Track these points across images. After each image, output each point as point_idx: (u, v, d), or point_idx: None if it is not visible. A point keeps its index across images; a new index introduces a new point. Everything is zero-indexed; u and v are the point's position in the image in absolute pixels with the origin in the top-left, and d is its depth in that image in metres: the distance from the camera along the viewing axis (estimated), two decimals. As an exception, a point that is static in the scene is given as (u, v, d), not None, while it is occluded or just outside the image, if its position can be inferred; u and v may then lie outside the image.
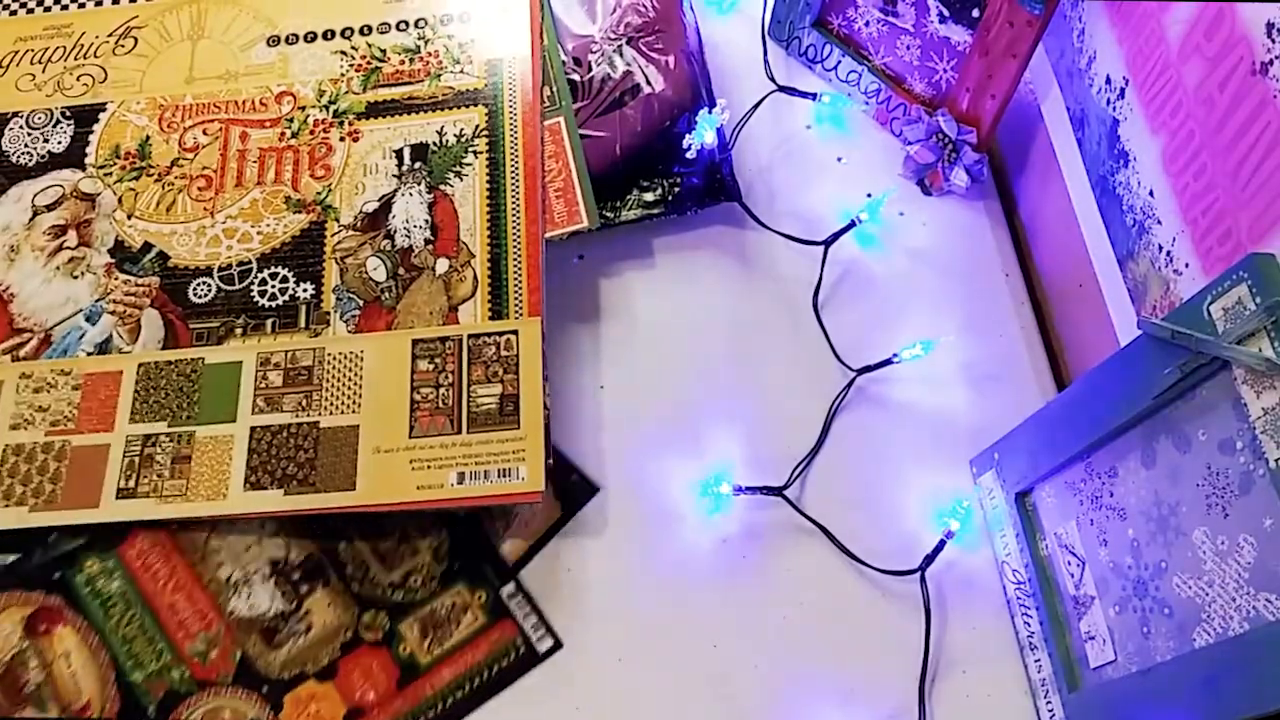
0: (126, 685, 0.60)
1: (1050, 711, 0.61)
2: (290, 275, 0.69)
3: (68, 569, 0.62)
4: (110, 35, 0.78)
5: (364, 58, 0.76)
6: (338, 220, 0.70)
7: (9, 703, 0.58)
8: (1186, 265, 0.57)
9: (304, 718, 0.59)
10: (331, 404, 0.65)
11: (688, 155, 0.72)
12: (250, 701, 0.59)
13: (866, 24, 0.78)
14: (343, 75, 0.75)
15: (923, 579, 0.64)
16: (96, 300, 0.69)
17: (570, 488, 0.67)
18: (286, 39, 0.77)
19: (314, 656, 0.61)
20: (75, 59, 0.78)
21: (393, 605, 0.62)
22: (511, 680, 0.62)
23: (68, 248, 0.71)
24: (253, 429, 0.64)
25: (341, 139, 0.73)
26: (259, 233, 0.71)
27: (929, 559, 0.65)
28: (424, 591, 0.63)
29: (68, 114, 0.76)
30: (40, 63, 0.78)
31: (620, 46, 0.75)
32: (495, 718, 0.62)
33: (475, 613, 0.63)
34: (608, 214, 0.72)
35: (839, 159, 0.79)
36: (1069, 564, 0.60)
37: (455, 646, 0.62)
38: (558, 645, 0.63)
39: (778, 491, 0.67)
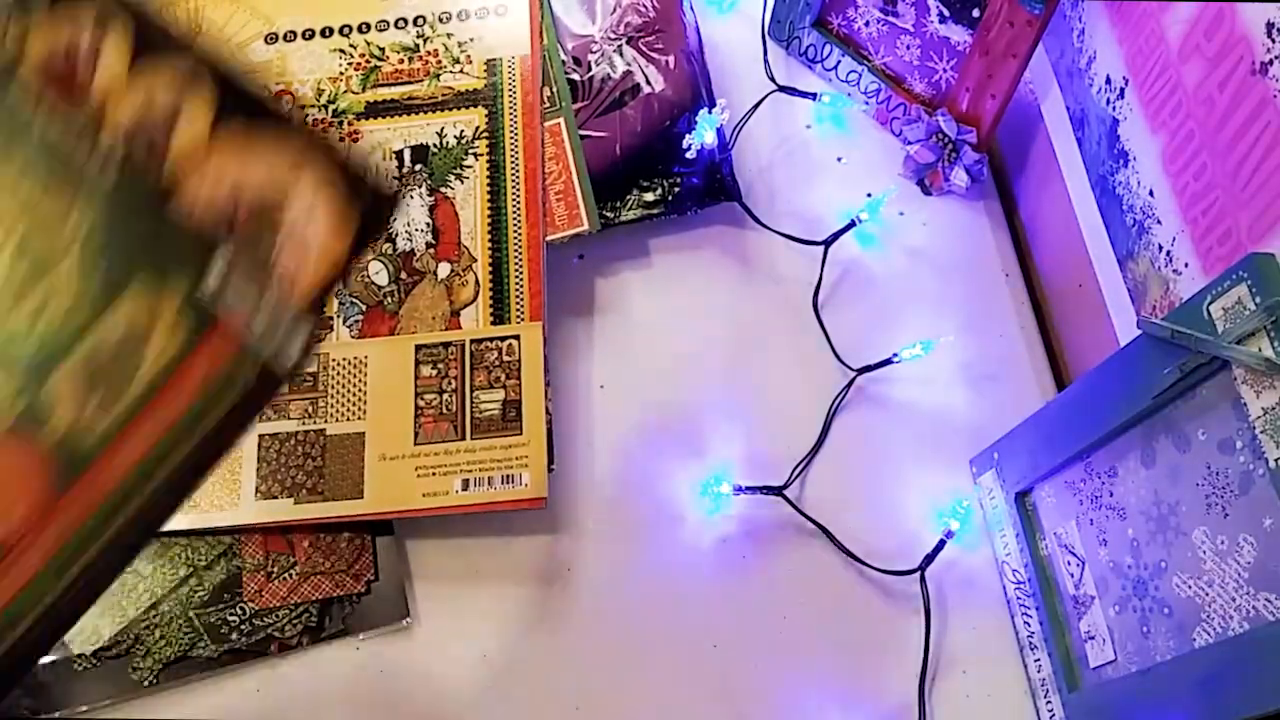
0: None
1: (1050, 711, 0.61)
2: None
3: None
4: (109, 35, 0.78)
5: (362, 56, 0.76)
6: (338, 221, 0.70)
7: None
8: (1186, 265, 0.57)
9: None
10: (337, 411, 0.65)
11: (688, 155, 0.72)
12: None
13: (866, 24, 0.78)
14: (341, 74, 0.75)
15: (923, 579, 0.64)
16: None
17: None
18: (284, 36, 0.77)
19: None
20: (74, 59, 0.78)
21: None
22: (248, 421, 0.38)
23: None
24: (261, 436, 0.64)
25: (341, 139, 0.73)
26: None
27: (929, 559, 0.65)
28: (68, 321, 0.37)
29: (67, 114, 0.75)
30: (39, 63, 0.78)
31: (620, 46, 0.75)
32: (494, 716, 0.62)
33: (165, 334, 0.37)
34: (608, 214, 0.72)
35: (839, 159, 0.79)
36: (1069, 564, 0.61)
37: (140, 400, 0.37)
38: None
39: (778, 491, 0.67)
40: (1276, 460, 0.45)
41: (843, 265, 0.75)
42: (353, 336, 0.67)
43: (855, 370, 0.71)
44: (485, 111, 0.73)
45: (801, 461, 0.69)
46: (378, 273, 0.69)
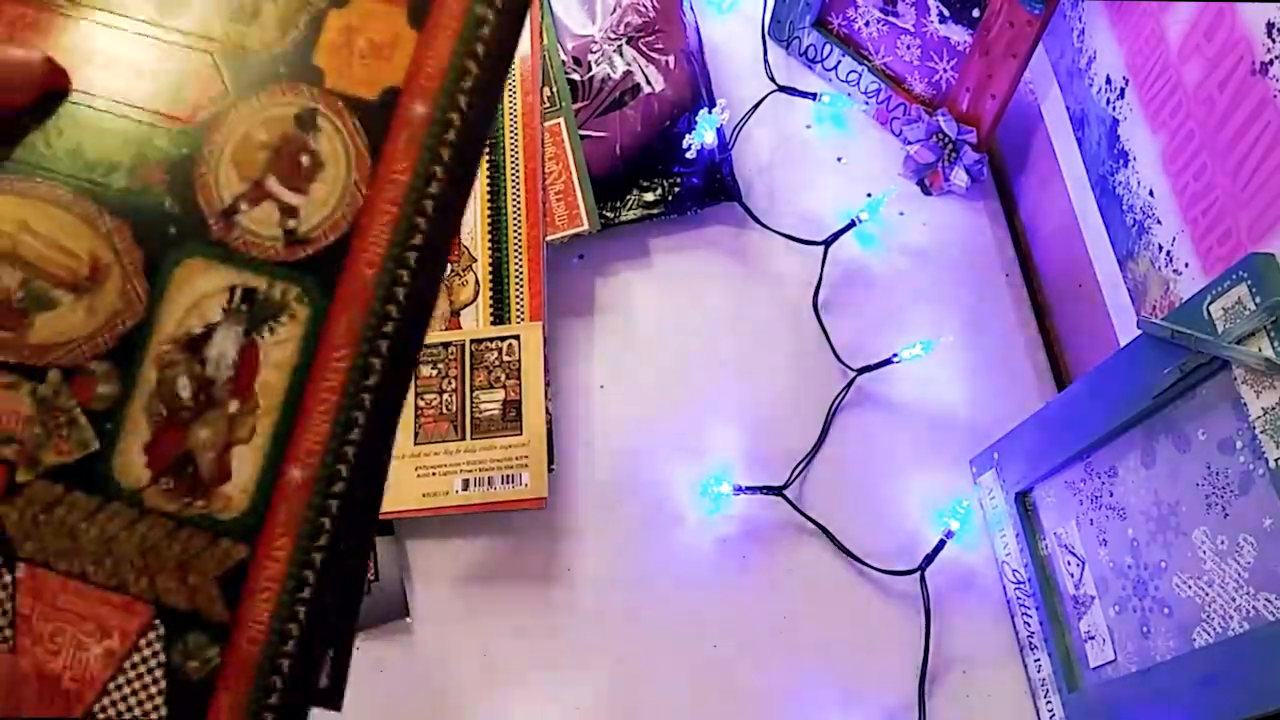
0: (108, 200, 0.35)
1: (1050, 711, 0.61)
2: None
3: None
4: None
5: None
6: (338, 221, 0.70)
7: None
8: (1186, 265, 0.57)
9: None
10: (335, 408, 0.65)
11: (688, 155, 0.72)
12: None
13: (866, 24, 0.78)
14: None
15: (923, 579, 0.64)
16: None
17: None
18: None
19: None
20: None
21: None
22: None
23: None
24: None
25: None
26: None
27: (929, 559, 0.65)
28: None
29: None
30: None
31: (620, 46, 0.75)
32: (494, 716, 0.62)
33: None
34: (608, 214, 0.72)
35: (839, 159, 0.79)
36: (1069, 564, 0.61)
37: None
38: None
39: (778, 491, 0.67)
40: (1277, 460, 0.45)
41: (843, 265, 0.75)
42: None
43: (855, 370, 0.71)
44: (485, 111, 0.73)
45: (801, 461, 0.69)
46: None
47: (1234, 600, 0.48)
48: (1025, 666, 0.64)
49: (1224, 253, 0.54)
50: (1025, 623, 0.64)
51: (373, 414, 0.34)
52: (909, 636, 0.64)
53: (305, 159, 0.35)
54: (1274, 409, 0.45)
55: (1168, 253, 0.59)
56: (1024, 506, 0.64)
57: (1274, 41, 0.49)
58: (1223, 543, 0.49)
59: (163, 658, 0.34)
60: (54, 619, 0.34)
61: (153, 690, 0.34)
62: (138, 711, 0.34)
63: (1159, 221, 0.59)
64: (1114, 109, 0.63)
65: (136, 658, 0.34)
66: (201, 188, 0.34)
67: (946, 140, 0.75)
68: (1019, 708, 0.63)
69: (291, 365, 0.34)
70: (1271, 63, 0.49)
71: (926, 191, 0.78)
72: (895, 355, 0.70)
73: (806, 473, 0.69)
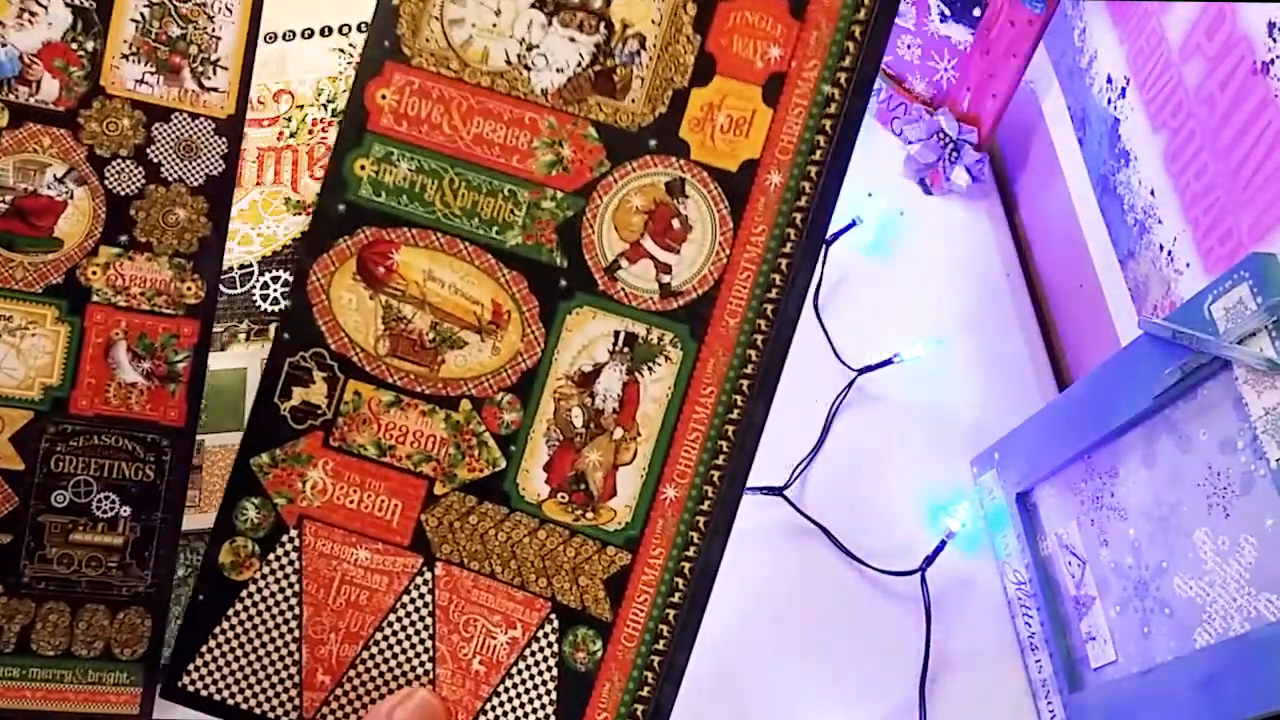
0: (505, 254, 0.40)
1: (1051, 712, 0.61)
2: (292, 278, 0.69)
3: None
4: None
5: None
6: (338, 220, 0.71)
7: (414, 358, 0.41)
8: (1187, 265, 0.57)
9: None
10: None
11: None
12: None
13: (866, 23, 0.78)
14: (340, 73, 0.75)
15: (923, 579, 0.64)
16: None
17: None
18: (284, 35, 0.77)
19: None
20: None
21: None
22: None
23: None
24: None
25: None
26: (259, 235, 0.70)
27: (929, 559, 0.65)
28: None
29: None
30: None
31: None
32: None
33: None
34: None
35: (839, 158, 0.79)
36: (1070, 564, 0.60)
37: None
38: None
39: (778, 491, 0.67)
40: (1278, 460, 0.45)
41: (843, 265, 0.75)
42: None
43: (855, 370, 0.70)
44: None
45: (801, 461, 0.68)
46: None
47: (1235, 601, 0.48)
48: (1026, 667, 0.64)
49: (1225, 252, 0.54)
50: (1026, 623, 0.63)
51: (736, 443, 0.40)
52: (909, 636, 0.64)
53: (676, 222, 0.40)
54: (1275, 409, 0.45)
55: (1169, 252, 0.58)
56: (1025, 507, 0.64)
57: (1275, 41, 0.48)
58: (1224, 543, 0.49)
59: (556, 648, 0.40)
60: (467, 610, 0.41)
61: (546, 676, 0.40)
62: (534, 693, 0.40)
63: (1160, 221, 0.59)
64: (1115, 108, 0.63)
65: (535, 646, 0.41)
66: (587, 246, 0.40)
67: (947, 140, 0.75)
68: (1019, 708, 0.63)
69: (667, 399, 0.40)
70: (1272, 62, 0.49)
71: (927, 191, 0.78)
72: (895, 355, 0.70)
73: (806, 473, 0.69)
